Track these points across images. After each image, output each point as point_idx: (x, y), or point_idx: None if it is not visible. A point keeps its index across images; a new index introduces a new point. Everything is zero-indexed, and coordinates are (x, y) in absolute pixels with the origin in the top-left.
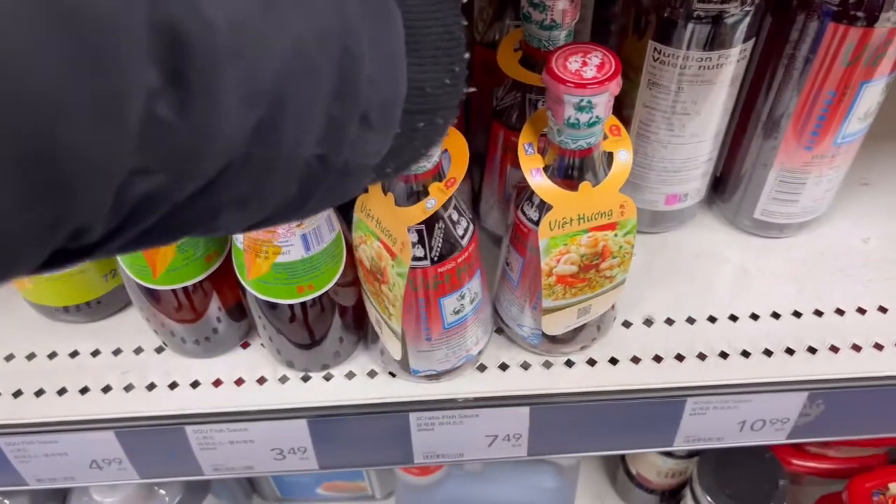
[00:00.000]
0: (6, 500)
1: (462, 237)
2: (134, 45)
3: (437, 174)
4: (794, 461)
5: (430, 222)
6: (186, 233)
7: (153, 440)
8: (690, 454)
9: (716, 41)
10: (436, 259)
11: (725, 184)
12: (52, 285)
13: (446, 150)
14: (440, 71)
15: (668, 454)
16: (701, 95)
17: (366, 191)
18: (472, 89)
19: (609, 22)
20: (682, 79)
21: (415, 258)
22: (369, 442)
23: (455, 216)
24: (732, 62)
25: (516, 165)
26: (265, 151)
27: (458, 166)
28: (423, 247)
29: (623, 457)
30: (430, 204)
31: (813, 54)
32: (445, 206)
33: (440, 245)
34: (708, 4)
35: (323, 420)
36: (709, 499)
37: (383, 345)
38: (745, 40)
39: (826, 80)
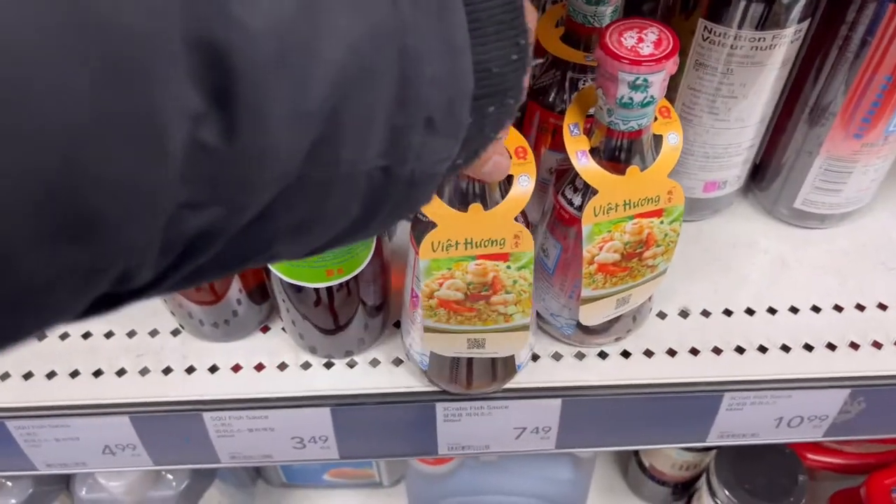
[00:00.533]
0: (9, 483)
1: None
2: (169, 62)
3: None
4: (811, 456)
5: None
6: (241, 265)
7: (169, 426)
8: (707, 447)
9: (770, 20)
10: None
11: (765, 171)
12: None
13: None
14: (505, 47)
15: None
16: (750, 78)
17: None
18: (539, 60)
19: (642, 1)
20: (732, 60)
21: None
22: (393, 432)
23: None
24: (786, 43)
25: (553, 147)
26: (323, 171)
27: (514, 134)
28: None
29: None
30: (525, 183)
31: (870, 36)
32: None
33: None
34: None
35: (346, 408)
36: (726, 492)
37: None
38: (801, 20)
39: (882, 63)
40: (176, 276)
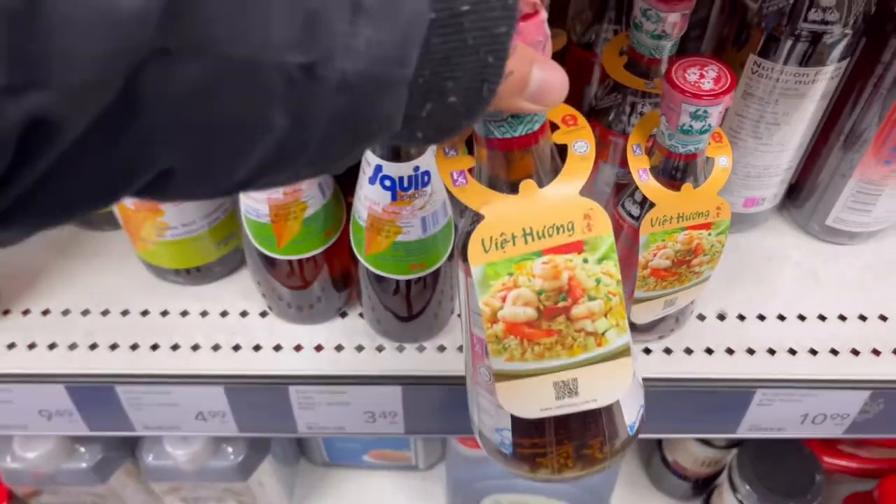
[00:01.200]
0: (82, 448)
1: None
2: None
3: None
4: (827, 459)
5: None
6: (127, 181)
7: (258, 397)
8: (729, 445)
9: (813, 58)
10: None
11: (800, 191)
12: (170, 248)
13: None
14: None
15: (708, 444)
16: (792, 107)
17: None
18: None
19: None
20: (776, 91)
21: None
22: (455, 411)
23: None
24: (826, 79)
25: (610, 162)
26: (191, 46)
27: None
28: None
29: (659, 443)
30: (582, 148)
31: None
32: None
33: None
34: (812, 24)
35: (415, 388)
36: (747, 488)
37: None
38: (841, 59)
39: None
40: (26, 178)
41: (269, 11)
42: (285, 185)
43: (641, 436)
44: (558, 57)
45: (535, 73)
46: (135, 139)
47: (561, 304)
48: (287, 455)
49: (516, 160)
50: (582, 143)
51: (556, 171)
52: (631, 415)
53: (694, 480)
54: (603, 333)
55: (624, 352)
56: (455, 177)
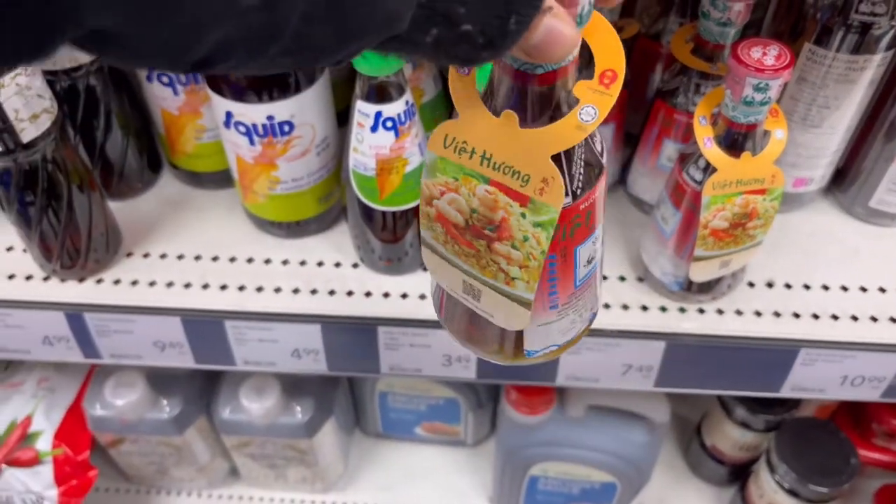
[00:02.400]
0: (164, 400)
1: (601, 154)
2: None
3: (569, 77)
4: (860, 451)
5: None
6: (48, 39)
7: (350, 336)
8: (767, 429)
9: (863, 47)
10: (578, 192)
11: (845, 174)
12: (278, 202)
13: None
14: None
15: (747, 427)
16: (842, 93)
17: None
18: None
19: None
20: (829, 77)
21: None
22: None
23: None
24: (873, 67)
25: (673, 138)
26: None
27: (610, 54)
28: (564, 178)
29: (699, 428)
30: (589, 114)
31: None
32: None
33: (581, 171)
34: (862, 16)
35: None
36: (785, 467)
37: (462, 314)
38: (888, 49)
39: None
40: None
41: None
42: (260, 72)
43: (692, 391)
44: (628, 46)
45: (545, 21)
46: None
47: (487, 232)
48: (346, 421)
49: (514, 88)
50: (591, 108)
51: (551, 119)
52: (533, 344)
53: (731, 466)
54: (513, 279)
55: (526, 304)
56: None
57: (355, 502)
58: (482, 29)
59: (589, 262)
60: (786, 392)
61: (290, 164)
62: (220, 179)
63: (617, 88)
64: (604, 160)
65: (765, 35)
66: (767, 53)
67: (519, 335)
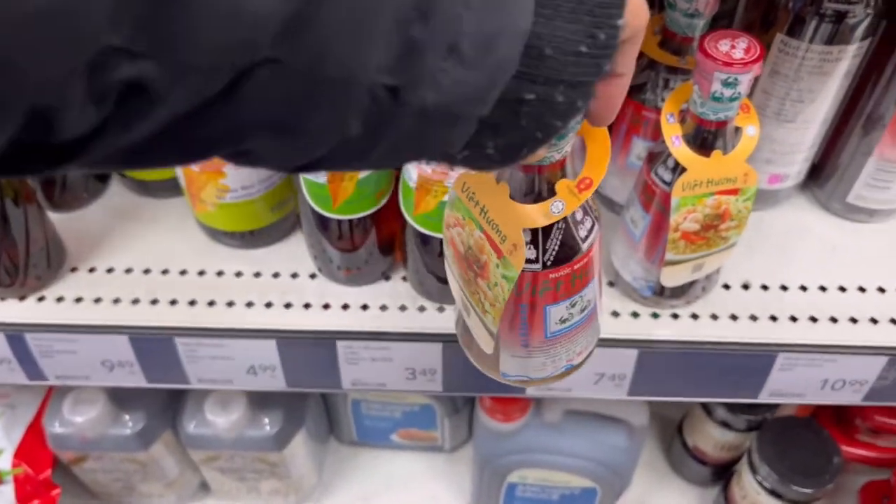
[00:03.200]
0: (126, 416)
1: (584, 239)
2: None
3: (565, 169)
4: (844, 448)
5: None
6: (202, 152)
7: (307, 351)
8: (749, 428)
9: (837, 37)
10: (549, 263)
11: (822, 169)
12: (228, 211)
13: (580, 137)
14: (576, 32)
15: (728, 427)
16: (817, 85)
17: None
18: (622, 73)
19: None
20: (802, 69)
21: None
22: None
23: (579, 215)
24: (849, 57)
25: (642, 136)
26: (305, 63)
27: (597, 164)
28: (536, 248)
29: (680, 428)
30: (557, 208)
31: None
32: None
33: (556, 248)
34: (836, 4)
35: (454, 346)
36: (767, 468)
37: (463, 324)
38: (863, 39)
39: None
40: (117, 138)
41: (375, 34)
42: (333, 171)
43: (667, 399)
44: None
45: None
46: (224, 124)
47: (475, 267)
48: (319, 430)
49: (510, 168)
50: (560, 203)
51: (533, 200)
52: (508, 369)
53: (713, 466)
54: (486, 311)
55: (491, 333)
56: None
57: None
58: (502, 150)
59: (562, 321)
60: (764, 398)
61: (238, 171)
62: (171, 188)
63: (587, 195)
64: (585, 244)
65: (736, 26)
66: (736, 46)
67: (497, 356)
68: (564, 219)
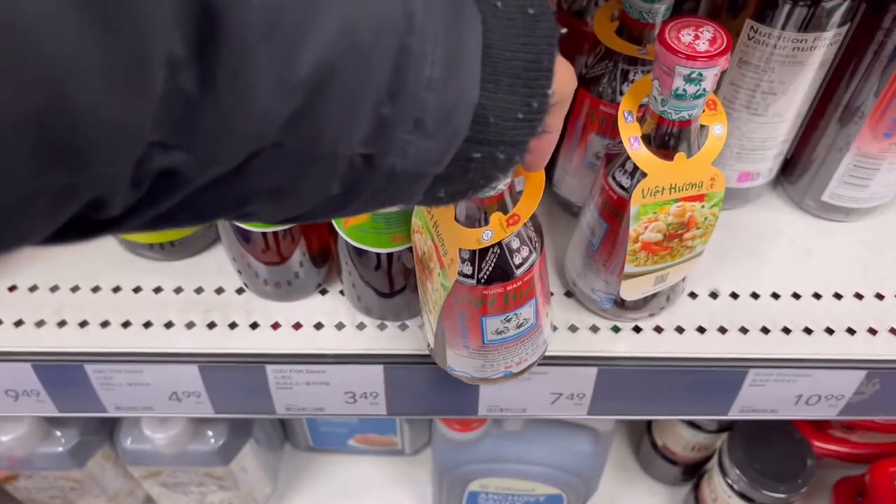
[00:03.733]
0: (58, 432)
1: (518, 266)
2: (158, 9)
3: (503, 201)
4: (817, 443)
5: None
6: (213, 216)
7: (234, 377)
8: (720, 429)
9: (812, 23)
10: (483, 281)
11: (796, 165)
12: None
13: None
14: (514, 102)
15: (698, 428)
16: (790, 76)
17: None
18: (551, 131)
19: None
20: (774, 58)
21: (462, 274)
22: (438, 392)
23: (515, 244)
24: (825, 45)
25: (600, 133)
26: (302, 144)
27: (528, 202)
28: (473, 266)
29: (649, 428)
30: (487, 236)
31: None
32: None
33: (490, 269)
34: None
35: (398, 367)
36: (737, 472)
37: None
38: (840, 25)
39: None
40: (146, 214)
41: (357, 116)
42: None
43: (631, 418)
44: None
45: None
46: (233, 193)
47: (426, 272)
48: (270, 439)
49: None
50: (490, 232)
51: (470, 224)
52: (454, 364)
53: (684, 465)
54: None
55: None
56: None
57: None
58: (451, 195)
59: (498, 332)
60: (734, 414)
61: None
62: None
63: (514, 229)
64: (519, 271)
65: (702, 12)
66: (700, 36)
67: (445, 356)
68: (499, 245)
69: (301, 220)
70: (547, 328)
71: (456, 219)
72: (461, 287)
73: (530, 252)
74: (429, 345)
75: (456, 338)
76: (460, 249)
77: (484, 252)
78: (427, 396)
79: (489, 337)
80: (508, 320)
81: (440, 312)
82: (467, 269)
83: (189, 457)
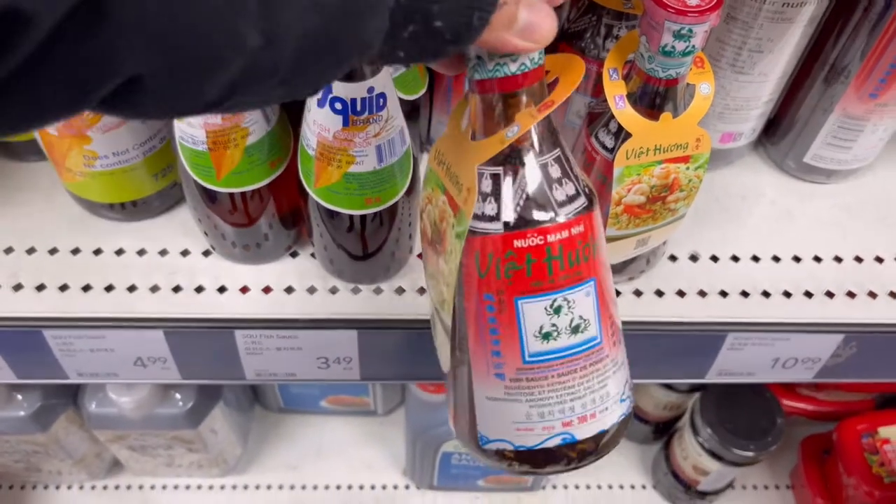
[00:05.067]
0: (19, 395)
1: (562, 204)
2: None
3: (533, 94)
4: (785, 402)
5: (514, 166)
6: (90, 88)
7: (201, 342)
8: (691, 389)
9: None
10: (511, 224)
11: (778, 126)
12: (100, 180)
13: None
14: None
15: (670, 388)
16: (777, 33)
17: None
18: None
19: None
20: (761, 14)
21: (482, 217)
22: (412, 356)
23: (556, 171)
24: (814, 2)
25: (582, 91)
26: None
27: (562, 88)
28: (496, 200)
29: None
30: (512, 132)
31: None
32: (541, 150)
33: (522, 202)
34: None
35: (372, 332)
36: (709, 431)
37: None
38: None
39: None
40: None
41: None
42: (256, 108)
43: None
44: None
45: (521, 12)
46: (102, 40)
47: (437, 246)
48: (240, 401)
49: (475, 102)
50: (517, 126)
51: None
52: (486, 427)
53: (655, 424)
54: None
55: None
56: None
57: (258, 484)
58: (450, 25)
59: (545, 336)
60: (711, 378)
61: (106, 135)
62: (41, 149)
63: (544, 114)
64: (562, 211)
65: None
66: None
67: (473, 412)
68: (535, 169)
69: (227, 104)
70: (621, 370)
71: (474, 138)
72: (482, 243)
73: (579, 193)
74: (457, 421)
75: (484, 358)
76: (480, 170)
77: (513, 175)
78: (401, 361)
79: (532, 345)
80: (557, 309)
81: (455, 295)
82: (490, 208)
83: (156, 420)
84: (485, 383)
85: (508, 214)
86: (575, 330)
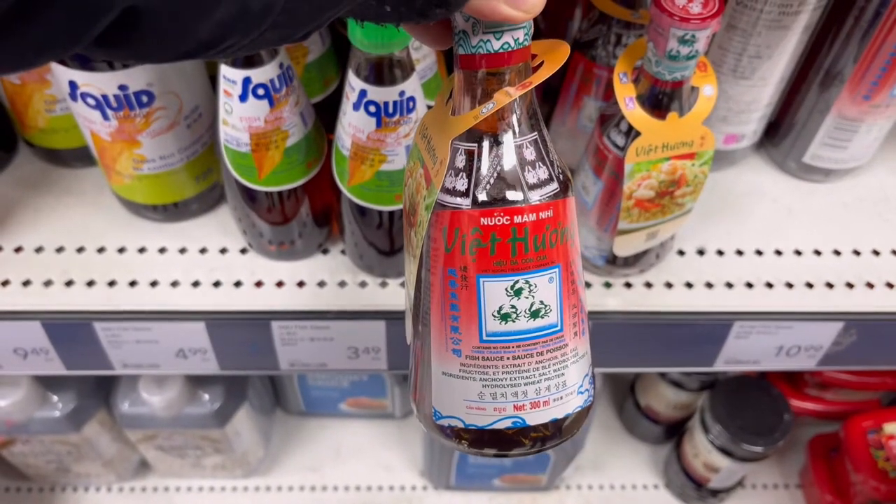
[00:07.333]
0: (55, 396)
1: (532, 187)
2: None
3: (518, 75)
4: (793, 402)
5: (489, 144)
6: (88, 21)
7: (240, 333)
8: (700, 388)
9: None
10: (480, 201)
11: (778, 129)
12: (146, 183)
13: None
14: None
15: (680, 387)
16: (775, 40)
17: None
18: None
19: None
20: (760, 23)
21: (451, 190)
22: None
23: (530, 154)
24: (809, 10)
25: (594, 96)
26: None
27: (544, 70)
28: (467, 176)
29: (632, 388)
30: (487, 108)
31: (883, 8)
32: (519, 131)
33: (492, 180)
34: None
35: (399, 323)
36: (719, 427)
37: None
38: None
39: (892, 32)
40: None
41: None
42: (249, 51)
43: (620, 370)
44: None
45: None
46: None
47: (411, 218)
48: (263, 404)
49: (458, 76)
50: (492, 103)
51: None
52: (440, 402)
53: (665, 424)
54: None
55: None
56: None
57: (279, 486)
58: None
59: (503, 316)
60: (719, 366)
61: (154, 139)
62: (86, 156)
63: (521, 92)
64: (532, 194)
65: None
66: (693, 0)
67: (430, 387)
68: (509, 148)
69: (221, 47)
70: (581, 361)
71: (453, 113)
72: (452, 217)
73: (551, 178)
74: (416, 394)
75: (443, 333)
76: (455, 144)
77: (485, 152)
78: None
79: (490, 324)
80: (517, 291)
81: (420, 267)
82: (461, 183)
83: (185, 420)
84: (442, 358)
85: (478, 191)
86: (535, 314)
